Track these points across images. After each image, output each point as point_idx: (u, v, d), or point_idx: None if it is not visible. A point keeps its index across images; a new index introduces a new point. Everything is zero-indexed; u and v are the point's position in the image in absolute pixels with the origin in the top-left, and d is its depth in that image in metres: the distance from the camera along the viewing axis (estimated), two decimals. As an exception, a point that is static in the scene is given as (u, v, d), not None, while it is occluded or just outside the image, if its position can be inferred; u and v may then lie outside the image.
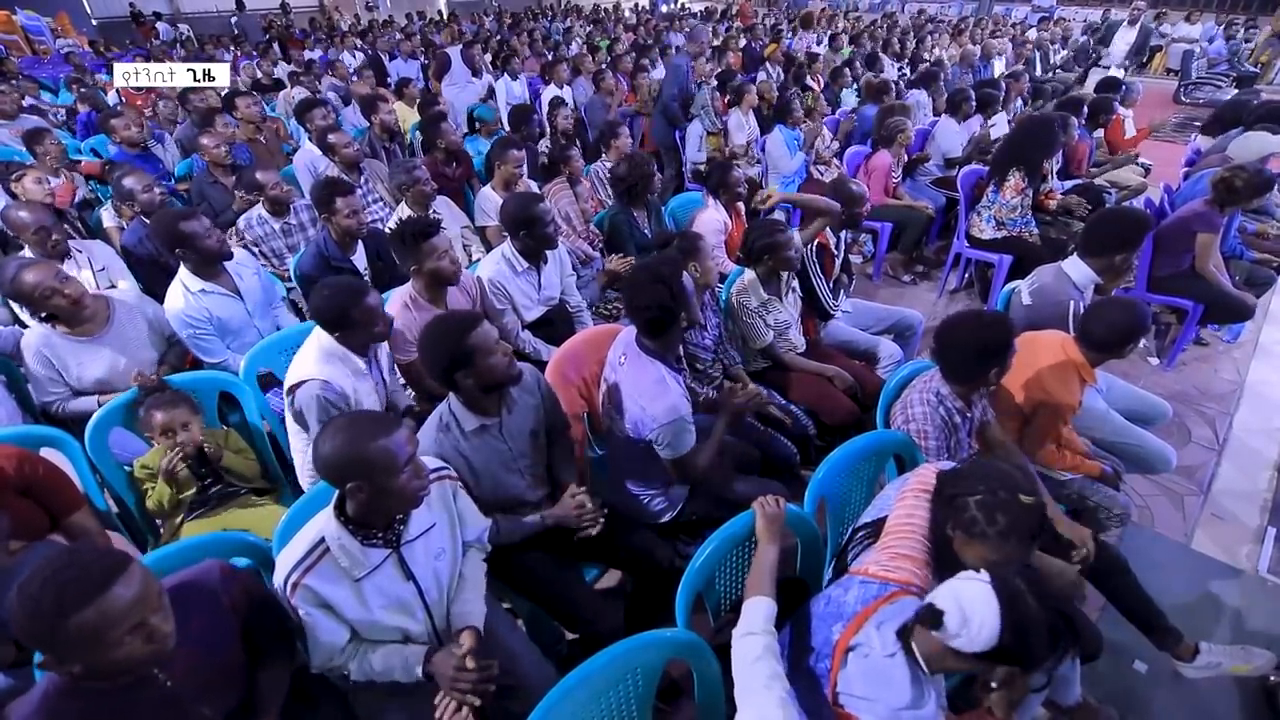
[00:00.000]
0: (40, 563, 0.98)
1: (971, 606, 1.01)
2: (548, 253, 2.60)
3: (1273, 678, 1.81)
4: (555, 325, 2.67)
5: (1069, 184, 4.30)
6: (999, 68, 7.55)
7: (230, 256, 2.42)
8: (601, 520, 1.75)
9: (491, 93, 6.31)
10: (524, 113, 4.59)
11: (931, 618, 1.04)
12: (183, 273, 2.35)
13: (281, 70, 7.72)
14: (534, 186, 3.54)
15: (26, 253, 2.53)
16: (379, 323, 1.91)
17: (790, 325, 2.55)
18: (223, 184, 3.60)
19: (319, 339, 1.91)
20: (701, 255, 2.30)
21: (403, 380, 2.40)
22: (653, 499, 1.95)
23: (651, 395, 1.71)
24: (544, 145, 4.44)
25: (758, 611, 1.25)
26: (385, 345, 2.10)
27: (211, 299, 2.35)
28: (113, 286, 2.69)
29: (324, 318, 1.86)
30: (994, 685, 1.05)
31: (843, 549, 1.58)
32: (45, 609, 0.94)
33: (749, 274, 2.47)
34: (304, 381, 1.82)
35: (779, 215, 4.77)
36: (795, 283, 2.61)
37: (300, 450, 2.01)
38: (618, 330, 2.22)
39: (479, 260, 2.84)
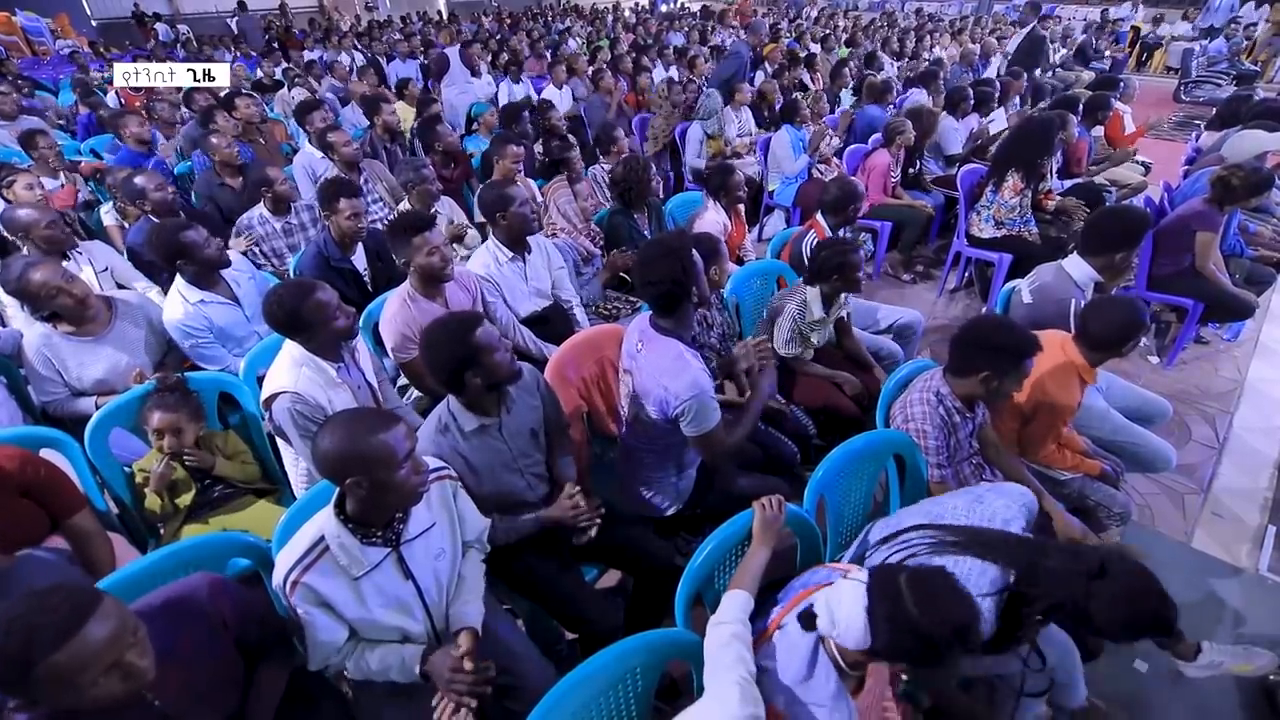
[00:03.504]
0: (6, 605, 0.94)
1: (840, 607, 1.04)
2: (533, 244, 2.62)
3: (1273, 677, 1.81)
4: (551, 324, 2.67)
5: (1068, 183, 4.30)
6: (997, 66, 7.54)
7: (228, 264, 2.39)
8: (598, 521, 1.74)
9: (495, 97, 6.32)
10: (515, 111, 4.59)
11: (807, 619, 1.08)
12: (179, 283, 2.32)
13: (280, 71, 7.71)
14: (534, 185, 3.55)
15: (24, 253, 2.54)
16: (337, 317, 1.82)
17: (817, 346, 2.53)
18: (230, 185, 3.52)
19: (289, 349, 1.85)
20: (721, 259, 2.30)
21: (403, 380, 2.41)
22: (660, 491, 1.95)
23: (673, 373, 1.72)
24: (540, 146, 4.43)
25: (733, 603, 1.28)
26: (364, 349, 2.05)
27: (211, 309, 2.34)
28: (122, 288, 2.70)
29: (277, 322, 1.80)
30: (904, 677, 1.08)
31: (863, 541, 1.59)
32: (13, 654, 0.90)
33: (811, 289, 2.41)
34: (277, 395, 1.78)
35: (778, 214, 4.83)
36: (845, 312, 2.58)
37: (291, 458, 1.99)
38: (618, 330, 2.22)
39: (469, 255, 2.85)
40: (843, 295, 2.47)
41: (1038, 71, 6.83)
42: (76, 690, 0.94)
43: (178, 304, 2.31)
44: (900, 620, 1.00)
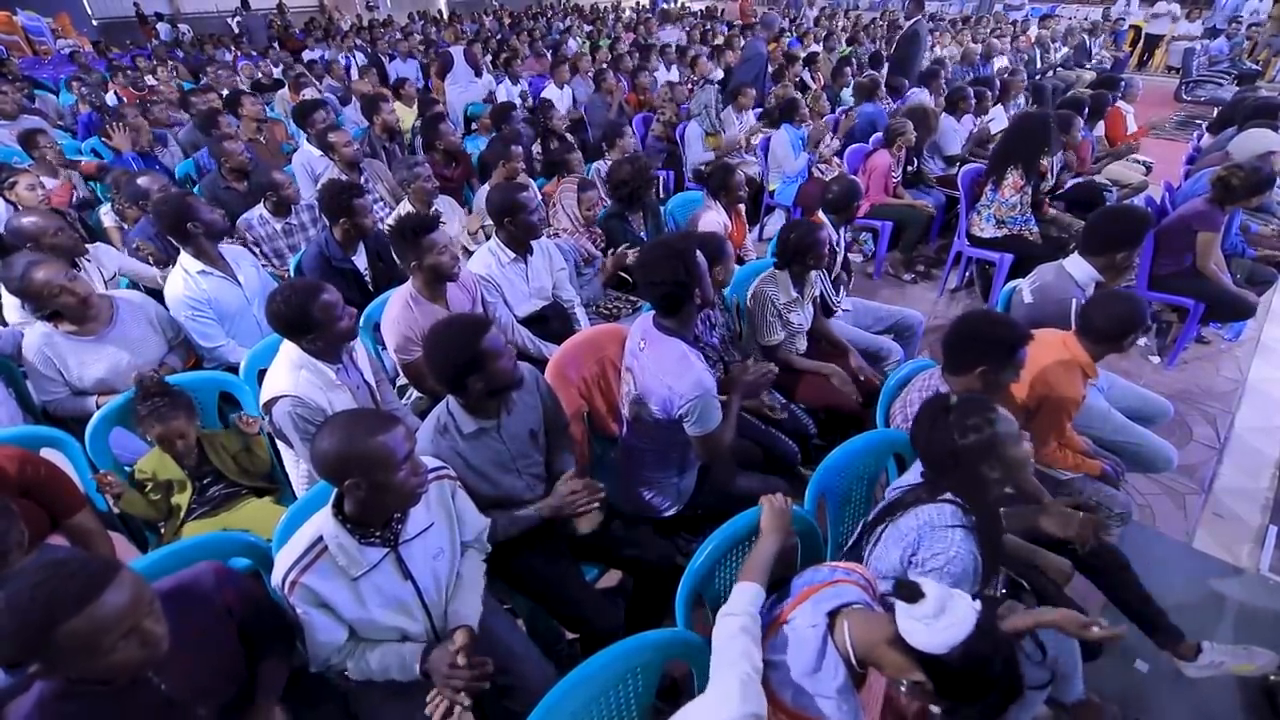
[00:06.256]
0: (27, 572, 0.96)
1: (954, 608, 1.01)
2: (535, 245, 2.63)
3: (1273, 677, 1.81)
4: (550, 323, 2.67)
5: (1070, 182, 4.30)
6: (1000, 66, 7.54)
7: (229, 230, 2.42)
8: (597, 505, 1.70)
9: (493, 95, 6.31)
10: (505, 111, 4.59)
11: (909, 591, 1.04)
12: (183, 258, 2.40)
13: (279, 71, 7.70)
14: (534, 185, 3.55)
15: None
16: (342, 318, 1.82)
17: (803, 329, 2.55)
18: (236, 189, 3.49)
19: (287, 351, 1.85)
20: (726, 259, 2.31)
21: (402, 381, 2.41)
22: (661, 492, 1.95)
23: (676, 373, 1.72)
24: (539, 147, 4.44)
25: (744, 594, 1.26)
26: (362, 350, 2.05)
27: (211, 280, 2.40)
28: (134, 286, 2.71)
29: (285, 322, 1.78)
30: (902, 686, 1.06)
31: (857, 540, 1.59)
32: (35, 618, 0.93)
33: (781, 273, 2.46)
34: (277, 398, 1.78)
35: (779, 213, 4.82)
36: (818, 290, 2.61)
37: (291, 459, 1.99)
38: (619, 330, 2.22)
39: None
40: (812, 274, 2.51)
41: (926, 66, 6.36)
42: (95, 655, 0.97)
43: (179, 279, 2.36)
44: (982, 665, 0.99)
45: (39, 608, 0.93)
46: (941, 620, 1.00)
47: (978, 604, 1.03)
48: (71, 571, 0.97)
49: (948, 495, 1.40)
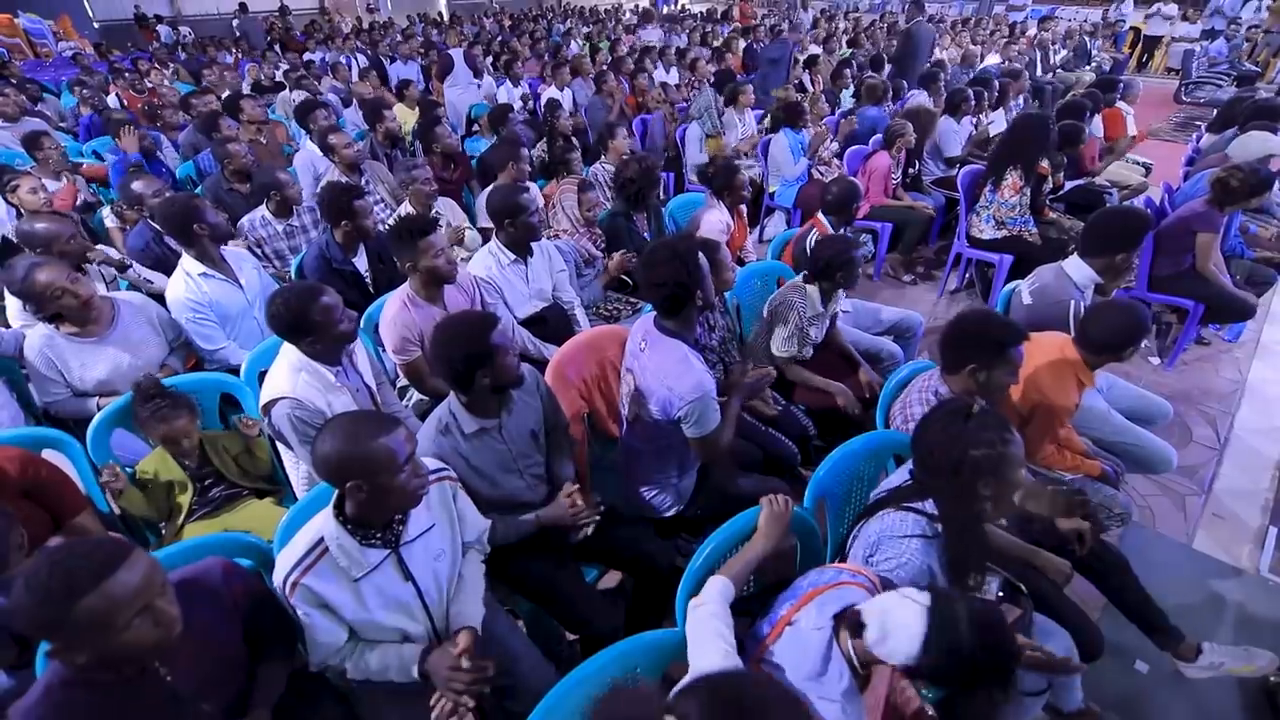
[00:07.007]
0: (45, 553, 1.00)
1: (895, 625, 1.03)
2: (535, 247, 2.63)
3: (1273, 678, 1.81)
4: (550, 324, 2.67)
5: (1070, 184, 4.31)
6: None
7: (232, 235, 2.45)
8: (597, 519, 1.74)
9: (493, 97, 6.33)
10: (503, 112, 4.59)
11: (853, 627, 1.07)
12: (185, 260, 2.41)
13: (280, 73, 7.72)
14: (535, 187, 3.56)
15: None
16: (342, 321, 1.83)
17: (816, 342, 2.54)
18: (238, 190, 3.50)
19: (287, 354, 1.85)
20: (721, 267, 2.30)
21: (402, 382, 2.41)
22: (661, 492, 1.95)
23: (677, 375, 1.72)
24: (541, 147, 4.45)
25: (714, 588, 1.30)
26: (362, 351, 2.05)
27: (212, 283, 2.41)
28: (135, 288, 2.71)
29: (284, 325, 1.79)
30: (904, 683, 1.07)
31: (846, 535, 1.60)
32: (54, 594, 0.96)
33: (812, 287, 2.43)
34: (276, 400, 1.79)
35: (779, 215, 4.83)
36: (841, 305, 2.61)
37: (291, 460, 1.99)
38: (619, 331, 2.22)
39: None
40: (839, 289, 2.50)
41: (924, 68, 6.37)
42: (111, 633, 0.99)
43: (181, 281, 2.38)
44: (957, 650, 0.99)
45: (58, 584, 0.96)
46: (889, 642, 1.03)
47: (925, 597, 1.04)
48: (87, 551, 1.01)
49: (916, 504, 1.39)
